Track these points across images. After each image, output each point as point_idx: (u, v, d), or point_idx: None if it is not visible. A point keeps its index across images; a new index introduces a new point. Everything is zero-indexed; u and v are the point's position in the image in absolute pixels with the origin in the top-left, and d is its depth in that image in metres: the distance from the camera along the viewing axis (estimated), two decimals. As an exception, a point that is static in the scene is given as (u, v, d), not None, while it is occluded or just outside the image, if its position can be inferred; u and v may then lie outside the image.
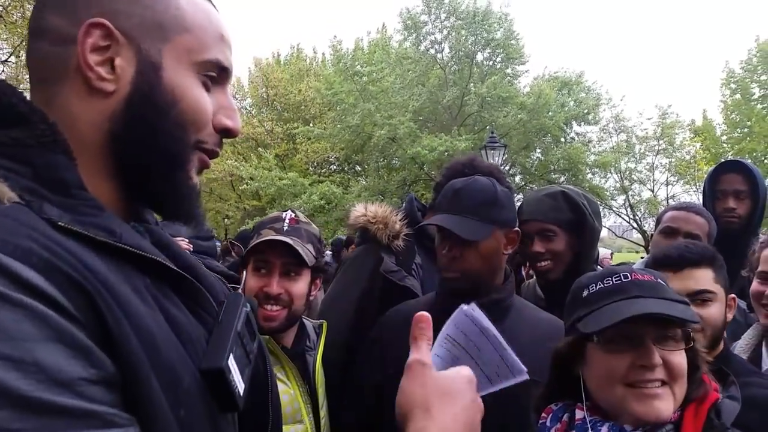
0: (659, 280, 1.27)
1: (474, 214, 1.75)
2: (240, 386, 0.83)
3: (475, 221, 1.74)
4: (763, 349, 1.93)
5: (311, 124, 25.12)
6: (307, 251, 1.79)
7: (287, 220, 1.85)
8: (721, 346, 1.73)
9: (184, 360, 0.76)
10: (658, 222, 2.58)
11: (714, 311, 1.67)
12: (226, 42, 0.89)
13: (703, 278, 1.67)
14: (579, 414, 1.26)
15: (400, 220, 2.24)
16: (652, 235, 2.62)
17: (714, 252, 1.76)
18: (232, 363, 0.82)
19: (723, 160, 3.38)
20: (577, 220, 2.15)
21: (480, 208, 1.76)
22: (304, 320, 1.97)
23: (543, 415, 1.34)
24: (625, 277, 1.25)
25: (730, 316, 1.76)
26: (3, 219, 0.64)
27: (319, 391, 1.87)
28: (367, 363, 1.93)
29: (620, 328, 1.17)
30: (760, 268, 1.99)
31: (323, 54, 28.63)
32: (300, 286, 1.81)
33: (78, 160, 0.76)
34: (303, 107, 26.57)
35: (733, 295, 1.76)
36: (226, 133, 0.89)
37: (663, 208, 3.03)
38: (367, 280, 2.16)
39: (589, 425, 1.20)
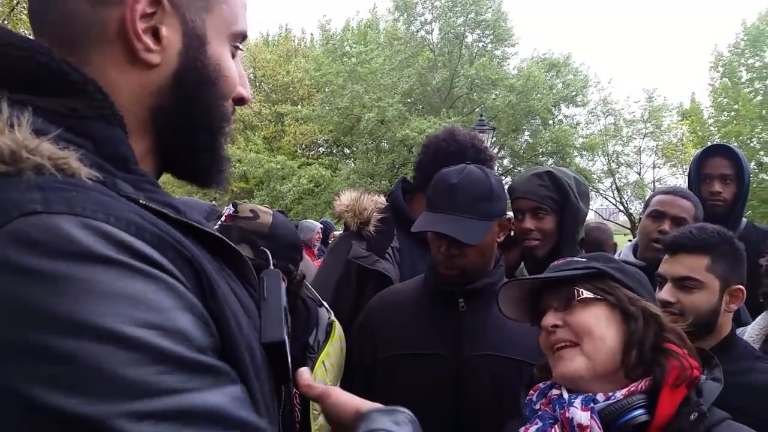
0: (573, 258, 1.43)
1: (472, 212, 1.72)
2: (288, 359, 0.84)
3: (473, 220, 1.71)
4: None
5: (299, 106, 24.94)
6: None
7: (223, 218, 1.72)
8: (725, 332, 1.74)
9: (254, 332, 0.77)
10: (645, 206, 2.60)
11: (697, 299, 1.69)
12: (245, 11, 0.86)
13: (693, 265, 1.68)
14: (556, 391, 1.31)
15: (376, 206, 2.25)
16: (639, 218, 2.64)
17: (721, 240, 1.75)
18: (285, 336, 0.83)
19: (709, 144, 3.39)
20: (561, 200, 2.18)
21: (477, 205, 1.73)
22: (322, 313, 1.89)
23: (530, 392, 1.38)
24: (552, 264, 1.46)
25: (733, 307, 1.75)
26: (101, 196, 0.60)
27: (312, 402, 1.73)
28: (357, 348, 1.93)
29: (532, 311, 1.39)
30: None
31: (311, 35, 28.35)
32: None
33: None
34: (291, 88, 26.31)
35: (739, 286, 1.75)
36: (240, 101, 0.87)
37: (650, 191, 3.05)
38: (343, 266, 2.18)
39: (566, 398, 1.25)
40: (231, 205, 1.75)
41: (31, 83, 0.66)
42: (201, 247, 0.72)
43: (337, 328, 1.90)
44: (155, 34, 0.73)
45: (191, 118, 0.78)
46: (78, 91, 0.68)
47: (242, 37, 0.84)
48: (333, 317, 1.93)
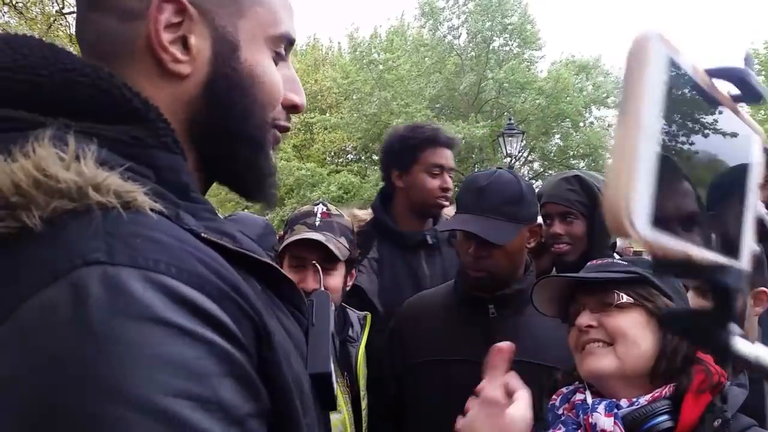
0: (614, 260, 1.43)
1: (500, 215, 1.71)
2: (335, 385, 0.84)
3: (501, 222, 1.71)
4: None
5: (328, 114, 25.12)
6: (340, 245, 1.81)
7: (319, 214, 1.85)
8: (752, 337, 1.71)
9: (302, 368, 0.75)
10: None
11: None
12: (292, 10, 0.81)
13: None
14: (579, 396, 1.31)
15: (356, 221, 2.30)
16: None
17: None
18: (331, 365, 0.83)
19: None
20: (590, 204, 2.15)
21: (506, 208, 1.72)
22: (348, 311, 1.99)
23: (553, 397, 1.38)
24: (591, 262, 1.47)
25: (758, 310, 1.73)
26: (165, 238, 0.58)
27: (360, 383, 1.89)
28: (388, 353, 1.95)
29: (566, 309, 1.37)
30: None
31: (339, 43, 28.58)
32: (335, 280, 1.82)
33: None
34: (320, 97, 26.55)
35: (763, 289, 1.72)
36: (293, 109, 0.83)
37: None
38: None
39: (589, 404, 1.25)
40: (321, 203, 1.92)
41: (94, 111, 0.64)
42: (253, 277, 0.70)
43: (370, 320, 2.00)
44: (184, 44, 0.71)
45: (227, 127, 0.75)
46: (140, 119, 0.66)
47: (286, 40, 0.80)
48: (365, 312, 2.03)
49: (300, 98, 0.83)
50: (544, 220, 2.19)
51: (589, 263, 1.46)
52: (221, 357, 0.56)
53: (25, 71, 0.62)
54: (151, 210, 0.59)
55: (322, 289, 1.02)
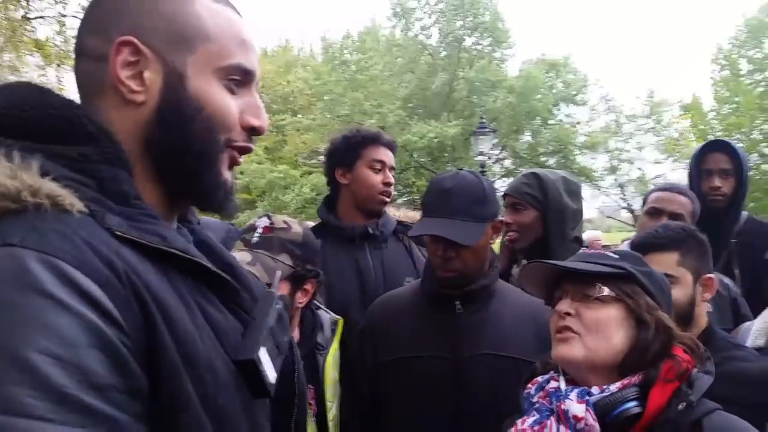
0: (606, 252, 1.44)
1: (467, 216, 1.77)
2: (271, 375, 0.91)
3: (468, 223, 1.76)
4: None
5: (300, 115, 25.00)
6: (276, 263, 1.73)
7: (260, 230, 1.79)
8: (703, 324, 1.79)
9: (220, 353, 0.85)
10: (644, 203, 2.63)
11: (675, 294, 1.70)
12: (248, 45, 0.94)
13: (665, 262, 1.72)
14: (554, 383, 1.35)
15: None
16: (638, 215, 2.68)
17: (686, 234, 1.81)
18: (263, 354, 0.90)
19: (708, 140, 3.42)
20: (541, 196, 2.34)
21: (472, 208, 1.78)
22: (321, 314, 1.98)
23: (528, 385, 1.41)
24: (583, 250, 1.50)
25: (707, 296, 1.81)
26: (71, 232, 0.72)
27: (327, 393, 1.88)
28: (359, 352, 1.98)
29: (553, 294, 1.41)
30: None
31: (311, 45, 28.49)
32: None
33: None
34: (291, 98, 26.43)
35: (710, 275, 1.80)
36: (253, 131, 0.95)
37: (652, 187, 3.10)
38: None
39: (563, 391, 1.29)
40: (265, 217, 1.86)
41: (58, 135, 0.82)
42: (179, 272, 0.83)
43: (341, 326, 2.00)
44: (142, 77, 0.86)
45: (176, 146, 0.89)
46: (92, 140, 0.82)
47: (239, 70, 0.92)
48: (338, 316, 2.03)
49: (259, 122, 0.95)
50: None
51: (581, 251, 1.50)
52: (93, 331, 0.67)
53: (14, 109, 0.81)
54: (79, 211, 0.75)
55: (273, 290, 1.05)
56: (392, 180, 2.51)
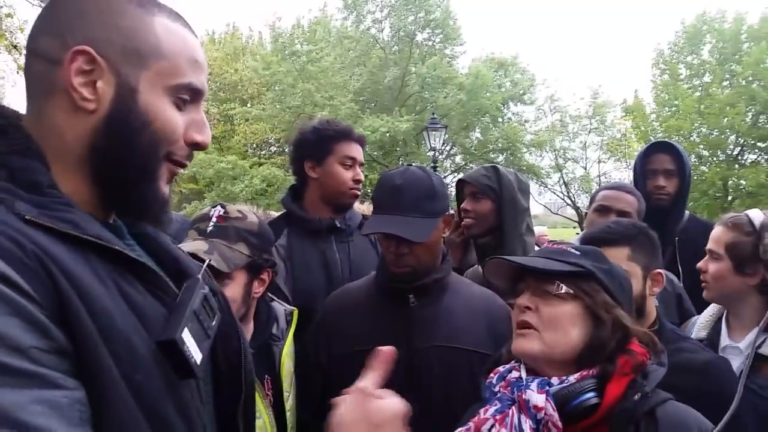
0: (568, 248, 1.45)
1: (418, 212, 1.77)
2: (197, 356, 0.93)
3: (419, 219, 1.76)
4: (723, 324, 2.04)
5: (249, 105, 24.57)
6: (230, 254, 1.70)
7: (214, 218, 1.75)
8: (653, 317, 1.85)
9: (140, 333, 0.87)
10: (591, 201, 2.70)
11: None
12: (200, 65, 0.98)
13: (616, 257, 1.75)
14: (515, 374, 1.37)
15: (266, 217, 2.36)
16: (586, 212, 2.75)
17: (637, 231, 1.87)
18: (186, 336, 0.91)
19: (653, 141, 3.54)
20: (498, 189, 2.41)
21: (421, 204, 1.78)
22: (275, 306, 1.96)
23: (491, 375, 1.43)
24: (549, 245, 1.56)
25: (656, 290, 1.86)
26: None
27: (283, 384, 1.85)
28: (313, 347, 1.96)
29: (517, 285, 1.42)
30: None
31: (260, 33, 28.00)
32: (231, 290, 1.69)
33: (60, 166, 0.90)
34: (240, 87, 25.92)
35: (659, 270, 1.87)
36: (196, 146, 0.99)
37: (595, 185, 3.19)
38: None
39: (524, 381, 1.32)
40: (219, 206, 1.81)
41: None
42: (97, 257, 0.86)
43: (296, 317, 1.98)
44: (95, 86, 0.90)
45: (120, 154, 0.92)
46: (1, 133, 0.87)
47: (189, 90, 0.96)
48: (293, 307, 2.02)
49: (202, 137, 0.99)
50: (461, 199, 2.49)
51: (545, 246, 1.53)
52: (5, 301, 0.71)
53: None
54: None
55: (199, 276, 1.05)
56: (362, 177, 2.50)
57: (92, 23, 0.91)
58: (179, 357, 0.89)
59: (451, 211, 1.96)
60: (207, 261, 1.16)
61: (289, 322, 1.96)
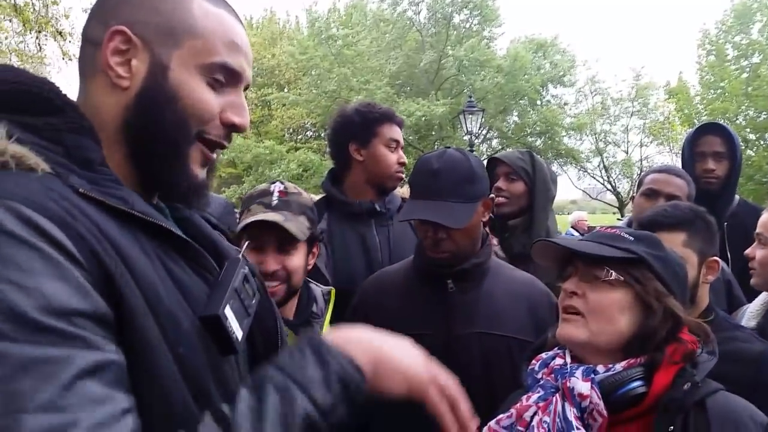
0: (622, 233, 1.39)
1: (455, 196, 1.73)
2: (238, 333, 0.94)
3: (458, 204, 1.72)
4: None
5: (286, 90, 24.73)
6: (300, 225, 1.78)
7: (276, 193, 1.82)
8: (704, 304, 1.79)
9: (184, 308, 0.89)
10: (639, 184, 2.62)
11: None
12: (238, 47, 0.99)
13: (671, 242, 1.69)
14: (559, 361, 1.34)
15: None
16: (632, 197, 2.69)
17: (695, 215, 1.80)
18: (228, 312, 0.93)
19: (703, 123, 3.42)
20: (532, 173, 2.49)
21: (461, 188, 1.74)
22: (312, 287, 1.98)
23: (533, 362, 1.40)
24: (599, 228, 1.48)
25: (710, 278, 1.80)
26: (32, 183, 0.79)
27: None
28: None
29: (564, 268, 1.38)
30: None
31: (297, 17, 28.09)
32: (296, 260, 1.79)
33: (103, 144, 0.92)
34: (277, 72, 26.11)
35: (715, 258, 1.80)
36: (233, 128, 1.00)
37: (637, 170, 3.13)
38: None
39: (568, 369, 1.29)
40: (278, 182, 1.88)
41: (27, 108, 0.89)
42: (143, 233, 0.89)
43: (334, 295, 2.01)
44: (130, 65, 0.94)
45: (149, 132, 0.95)
46: (58, 111, 0.90)
47: (224, 69, 0.97)
48: (330, 287, 2.05)
49: (240, 119, 1.00)
50: (494, 178, 2.52)
51: (597, 229, 1.46)
52: (52, 263, 0.73)
53: None
54: (44, 170, 0.83)
55: (240, 255, 1.07)
56: (405, 159, 2.49)
57: (133, 6, 0.96)
58: (222, 333, 0.91)
59: (492, 195, 1.92)
60: (245, 245, 1.17)
61: (327, 302, 1.98)
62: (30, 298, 0.70)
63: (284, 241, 1.75)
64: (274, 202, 1.78)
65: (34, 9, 9.59)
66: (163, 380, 0.83)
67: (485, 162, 2.40)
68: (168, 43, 0.95)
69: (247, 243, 1.21)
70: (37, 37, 10.08)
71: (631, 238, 1.36)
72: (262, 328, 1.13)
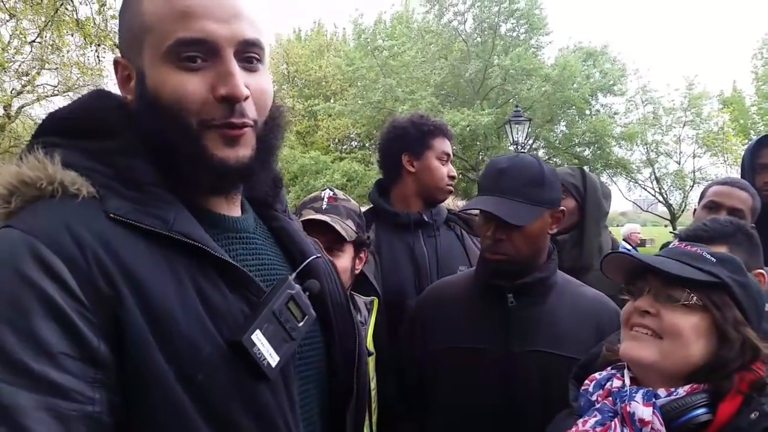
0: (704, 253, 1.31)
1: (520, 196, 1.68)
2: (271, 359, 0.92)
3: (521, 204, 1.67)
4: None
5: (332, 101, 25.01)
6: (346, 227, 1.84)
7: (326, 199, 1.90)
8: None
9: (208, 332, 0.87)
10: (702, 196, 2.54)
11: None
12: (193, 13, 0.90)
13: None
14: (617, 382, 1.28)
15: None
16: (694, 209, 2.61)
17: (735, 228, 1.75)
18: (258, 337, 0.91)
19: (762, 134, 3.29)
20: (582, 188, 2.49)
21: (526, 189, 1.70)
22: (356, 297, 2.00)
23: (586, 382, 1.35)
24: (678, 245, 1.39)
25: None
26: (61, 214, 0.84)
27: (369, 365, 1.89)
28: (408, 340, 1.94)
29: (634, 282, 1.31)
30: None
31: (344, 29, 28.42)
32: (343, 261, 1.85)
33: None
34: (324, 83, 26.46)
35: (760, 270, 1.73)
36: (226, 100, 0.92)
37: (690, 181, 3.05)
38: None
39: (627, 392, 1.23)
40: (328, 189, 1.98)
41: (93, 133, 0.95)
42: (182, 254, 0.89)
43: (377, 304, 2.05)
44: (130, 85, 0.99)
45: (149, 135, 0.94)
46: (116, 135, 0.94)
47: (183, 44, 0.90)
48: (373, 297, 2.08)
49: (227, 89, 0.91)
50: None
51: (676, 245, 1.40)
52: (47, 303, 0.76)
53: (72, 113, 0.99)
54: (87, 195, 0.87)
55: (288, 275, 1.04)
56: (455, 173, 2.52)
57: (119, 33, 1.02)
58: (248, 359, 0.89)
59: (562, 208, 1.84)
60: (316, 257, 1.18)
61: (369, 311, 2.00)
62: (18, 338, 0.73)
63: (332, 242, 1.82)
64: (324, 207, 1.88)
65: (94, 23, 9.97)
66: (168, 412, 0.82)
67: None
68: (137, 50, 0.95)
69: (315, 256, 1.21)
70: (96, 50, 10.47)
71: (714, 260, 1.28)
72: (342, 350, 1.11)
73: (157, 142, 0.93)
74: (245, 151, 0.95)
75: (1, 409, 0.70)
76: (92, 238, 0.82)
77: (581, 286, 1.89)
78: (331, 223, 1.80)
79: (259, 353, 0.90)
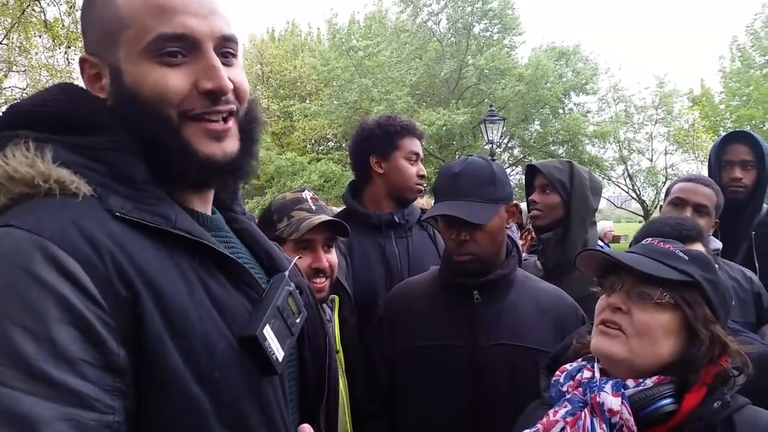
0: (677, 251, 1.32)
1: (477, 196, 1.76)
2: (278, 353, 0.92)
3: (479, 203, 1.75)
4: None
5: (308, 101, 24.90)
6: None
7: (309, 200, 1.92)
8: None
9: (220, 328, 0.87)
10: (667, 193, 2.59)
11: None
12: (171, 9, 0.91)
13: None
14: (587, 374, 1.31)
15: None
16: (660, 205, 2.65)
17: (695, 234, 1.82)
18: (268, 332, 0.91)
19: (730, 131, 3.36)
20: (569, 185, 2.42)
21: (481, 189, 1.77)
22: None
23: (557, 373, 1.37)
24: (651, 241, 1.38)
25: None
26: (67, 213, 0.80)
27: (339, 363, 1.94)
28: (377, 340, 1.97)
29: (607, 277, 1.32)
30: None
31: (318, 29, 28.32)
32: (335, 256, 1.93)
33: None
34: (299, 84, 26.33)
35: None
36: (210, 94, 0.93)
37: (662, 178, 3.09)
38: None
39: (597, 382, 1.26)
40: (305, 190, 2.00)
41: (75, 128, 0.91)
42: (185, 251, 0.88)
43: (338, 302, 2.09)
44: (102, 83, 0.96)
45: (134, 133, 0.92)
46: (103, 130, 0.91)
47: (164, 40, 0.90)
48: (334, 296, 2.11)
49: (213, 82, 0.92)
50: (531, 189, 2.53)
51: (648, 240, 1.40)
52: (67, 308, 0.73)
53: (43, 106, 0.93)
54: (85, 194, 0.84)
55: (284, 273, 1.07)
56: (425, 172, 2.53)
57: (84, 32, 0.98)
58: (260, 353, 0.90)
59: (516, 202, 1.93)
60: (295, 259, 1.19)
61: (332, 309, 2.04)
62: (36, 344, 0.69)
63: (329, 239, 1.89)
64: (314, 207, 1.90)
65: (63, 25, 9.81)
66: (185, 411, 0.81)
67: (511, 176, 2.45)
68: (111, 47, 0.92)
69: (298, 258, 1.22)
70: (65, 52, 10.30)
71: (686, 258, 1.30)
72: (311, 346, 1.12)
73: (140, 138, 0.92)
74: (232, 145, 0.96)
75: (21, 419, 0.67)
76: (106, 238, 0.80)
77: (538, 281, 1.97)
78: (344, 223, 1.87)
79: (270, 348, 0.91)
